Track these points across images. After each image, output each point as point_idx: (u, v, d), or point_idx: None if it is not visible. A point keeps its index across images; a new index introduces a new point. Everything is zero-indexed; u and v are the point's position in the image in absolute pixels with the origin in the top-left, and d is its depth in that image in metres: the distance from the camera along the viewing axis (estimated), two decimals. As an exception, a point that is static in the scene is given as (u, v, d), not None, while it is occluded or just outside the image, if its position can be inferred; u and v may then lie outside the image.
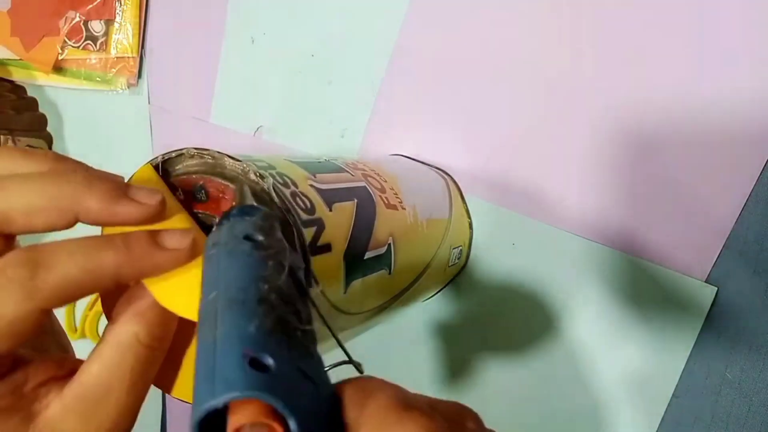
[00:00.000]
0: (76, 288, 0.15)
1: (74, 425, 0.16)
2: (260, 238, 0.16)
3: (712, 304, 0.29)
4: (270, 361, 0.12)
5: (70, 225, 0.16)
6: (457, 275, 0.35)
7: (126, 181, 0.18)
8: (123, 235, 0.16)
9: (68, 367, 0.17)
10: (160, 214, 0.17)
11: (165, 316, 0.17)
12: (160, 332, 0.17)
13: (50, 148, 0.49)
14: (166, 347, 0.18)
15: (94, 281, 0.16)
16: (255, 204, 0.18)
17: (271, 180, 0.19)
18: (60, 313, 0.47)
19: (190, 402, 0.19)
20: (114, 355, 0.17)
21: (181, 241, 0.17)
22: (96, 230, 0.18)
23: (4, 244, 0.16)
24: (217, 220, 0.19)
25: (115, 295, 0.18)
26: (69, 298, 0.15)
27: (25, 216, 0.16)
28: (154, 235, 0.17)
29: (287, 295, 0.14)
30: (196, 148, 0.19)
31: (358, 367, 0.15)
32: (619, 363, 0.32)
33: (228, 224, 0.16)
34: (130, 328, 0.17)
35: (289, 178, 0.21)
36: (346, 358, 0.16)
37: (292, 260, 0.16)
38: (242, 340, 0.12)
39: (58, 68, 0.48)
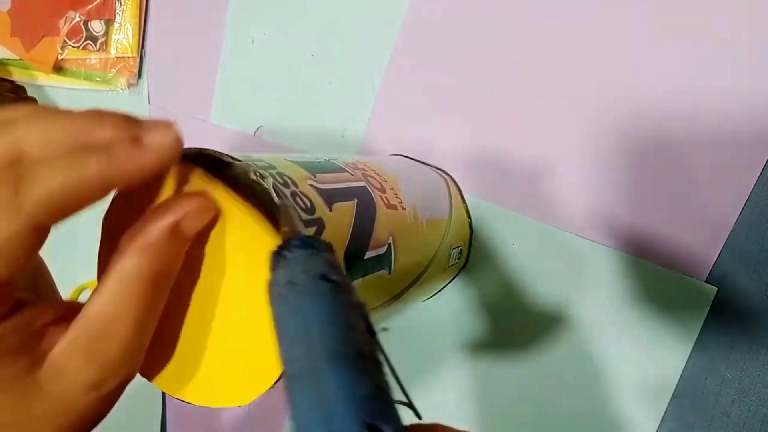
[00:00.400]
0: (63, 199, 0.15)
1: (78, 362, 0.16)
2: (336, 277, 0.15)
3: (712, 304, 0.29)
4: (388, 430, 0.11)
5: None
6: (457, 275, 0.35)
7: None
8: (105, 141, 0.16)
9: (75, 309, 0.17)
10: (176, 148, 0.17)
11: (169, 251, 0.17)
12: (164, 267, 0.17)
13: (50, 148, 0.49)
14: (169, 285, 0.18)
15: (81, 190, 0.15)
16: (315, 236, 0.18)
17: (271, 180, 0.19)
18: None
19: (171, 393, 0.19)
20: (117, 288, 0.16)
21: (164, 138, 0.16)
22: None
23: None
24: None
25: (118, 236, 0.18)
26: (58, 210, 0.15)
27: (41, 149, 0.15)
28: (136, 137, 0.16)
29: (369, 342, 0.14)
30: (196, 148, 0.19)
31: (417, 412, 0.15)
32: (619, 363, 0.32)
33: (295, 258, 0.15)
34: (134, 261, 0.16)
35: (289, 177, 0.21)
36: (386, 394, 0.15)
37: (358, 299, 0.15)
38: (359, 403, 0.12)
39: (58, 68, 0.48)
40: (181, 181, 0.18)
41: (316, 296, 0.14)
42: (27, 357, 0.16)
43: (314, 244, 0.16)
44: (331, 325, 0.13)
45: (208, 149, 0.19)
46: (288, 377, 0.13)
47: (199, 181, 0.18)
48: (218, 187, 0.18)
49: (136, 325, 0.16)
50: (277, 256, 0.16)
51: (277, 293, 0.15)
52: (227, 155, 0.19)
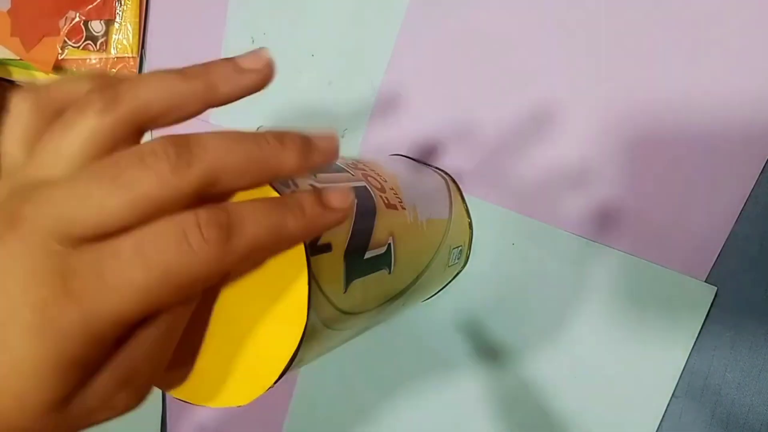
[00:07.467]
0: (260, 250, 0.15)
1: None
2: None
3: (712, 304, 0.29)
4: None
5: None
6: (457, 275, 0.35)
7: None
8: (295, 196, 0.17)
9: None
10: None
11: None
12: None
13: (50, 148, 0.49)
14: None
15: (277, 244, 0.16)
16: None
17: (271, 180, 0.19)
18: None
19: (171, 393, 0.19)
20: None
21: (344, 201, 0.17)
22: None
23: (136, 138, 0.16)
24: None
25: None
26: (250, 260, 0.16)
27: (233, 178, 0.15)
28: (320, 196, 0.17)
29: None
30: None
31: None
32: (619, 363, 0.32)
33: None
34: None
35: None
36: None
37: None
38: None
39: (58, 68, 0.48)
40: None
41: None
42: None
43: None
44: None
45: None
46: None
47: None
48: None
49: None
50: None
51: None
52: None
